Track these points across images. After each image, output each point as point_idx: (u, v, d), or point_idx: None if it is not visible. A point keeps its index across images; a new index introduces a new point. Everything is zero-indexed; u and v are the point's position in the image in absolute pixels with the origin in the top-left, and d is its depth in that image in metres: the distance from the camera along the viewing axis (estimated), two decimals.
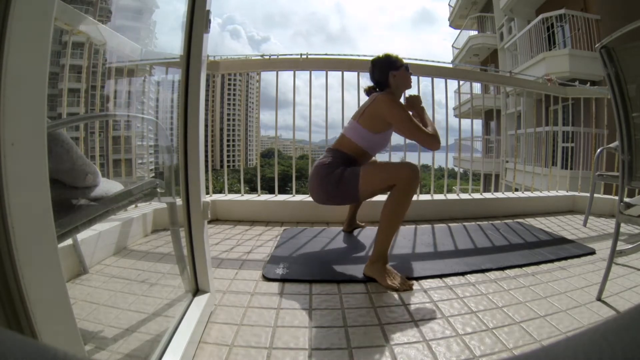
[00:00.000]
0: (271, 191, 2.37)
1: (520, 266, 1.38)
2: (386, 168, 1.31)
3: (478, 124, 11.03)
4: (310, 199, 2.20)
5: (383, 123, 1.41)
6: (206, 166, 1.06)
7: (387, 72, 1.46)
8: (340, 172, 1.33)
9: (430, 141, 1.36)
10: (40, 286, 0.38)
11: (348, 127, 1.49)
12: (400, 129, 1.40)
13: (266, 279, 1.24)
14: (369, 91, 1.57)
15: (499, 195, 2.55)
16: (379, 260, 1.23)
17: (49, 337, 0.39)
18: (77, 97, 1.41)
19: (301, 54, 2.47)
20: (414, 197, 2.29)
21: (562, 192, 2.74)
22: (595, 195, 2.23)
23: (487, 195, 2.53)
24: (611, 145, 2.32)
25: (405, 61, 1.50)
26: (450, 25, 14.22)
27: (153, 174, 1.85)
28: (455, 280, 1.25)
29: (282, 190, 2.35)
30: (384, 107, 1.37)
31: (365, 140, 1.44)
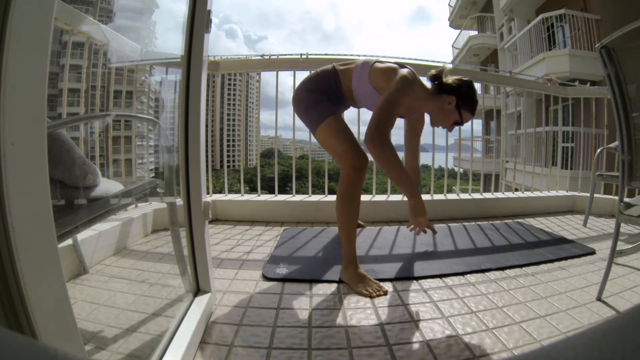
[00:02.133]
0: (271, 191, 2.37)
1: (520, 266, 1.38)
2: (339, 142, 1.21)
3: (478, 124, 11.03)
4: (310, 199, 2.21)
5: (381, 83, 1.22)
6: (206, 166, 1.06)
7: (450, 93, 1.26)
8: (316, 102, 1.27)
9: (371, 135, 1.07)
10: (40, 286, 0.38)
11: (360, 67, 1.29)
12: (381, 99, 1.14)
13: (266, 278, 1.24)
14: (431, 77, 1.35)
15: (499, 195, 2.55)
16: (349, 265, 1.19)
17: (49, 337, 0.39)
18: (77, 97, 1.41)
19: (301, 54, 2.47)
20: None
21: (562, 192, 2.74)
22: (595, 195, 2.23)
23: (487, 195, 2.53)
24: (611, 145, 2.32)
25: (469, 116, 1.29)
26: (450, 26, 14.21)
27: (153, 174, 1.85)
28: (455, 280, 1.25)
29: (282, 190, 2.35)
30: (396, 75, 1.17)
31: (360, 78, 1.28)
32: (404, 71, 1.19)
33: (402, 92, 1.14)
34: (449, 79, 1.31)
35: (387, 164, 1.09)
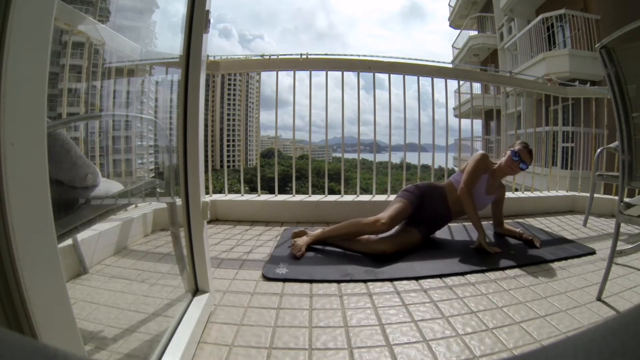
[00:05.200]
0: (271, 191, 2.37)
1: (520, 266, 1.38)
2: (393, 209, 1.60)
3: (478, 124, 11.01)
4: (310, 199, 2.21)
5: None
6: (206, 166, 1.06)
7: (510, 150, 1.72)
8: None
9: (461, 189, 1.65)
10: (40, 286, 0.38)
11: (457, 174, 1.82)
12: (465, 171, 1.70)
13: (266, 279, 1.24)
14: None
15: None
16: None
17: (49, 337, 0.39)
18: (77, 97, 1.41)
19: (301, 54, 2.47)
20: None
21: (562, 192, 2.74)
22: (595, 195, 2.23)
23: None
24: (611, 145, 2.32)
25: (524, 167, 1.71)
26: (450, 25, 14.22)
27: (153, 174, 1.85)
28: (455, 280, 1.25)
29: (282, 190, 2.35)
30: (473, 157, 1.74)
31: (455, 176, 1.78)
32: (480, 155, 1.72)
33: (476, 164, 1.69)
34: None
35: (466, 207, 1.64)
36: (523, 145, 1.72)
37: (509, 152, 1.72)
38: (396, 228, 1.64)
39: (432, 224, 1.74)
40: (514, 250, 1.58)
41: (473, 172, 1.67)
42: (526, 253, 1.53)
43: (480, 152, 1.76)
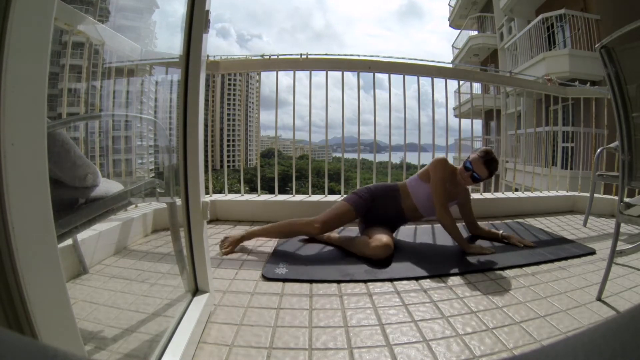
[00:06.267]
0: (271, 191, 2.37)
1: (520, 266, 1.38)
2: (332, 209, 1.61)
3: (478, 124, 11.02)
4: (310, 199, 2.21)
5: (427, 175, 1.64)
6: (206, 166, 1.06)
7: (466, 162, 1.60)
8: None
9: (439, 211, 1.57)
10: (40, 286, 0.38)
11: (412, 178, 1.73)
12: (432, 186, 1.60)
13: (266, 279, 1.24)
14: None
15: (499, 195, 2.55)
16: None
17: (49, 337, 0.39)
18: (77, 97, 1.41)
19: (301, 54, 2.47)
20: None
21: (562, 192, 2.74)
22: (595, 195, 2.23)
23: (487, 195, 2.53)
24: (611, 145, 2.32)
25: (484, 174, 1.56)
26: (450, 25, 14.22)
27: (153, 174, 1.85)
28: (455, 280, 1.25)
29: (282, 191, 2.35)
30: (433, 164, 1.63)
31: (412, 181, 1.69)
32: (441, 160, 1.64)
33: (441, 171, 1.58)
34: None
35: (447, 228, 1.58)
36: (481, 154, 1.55)
37: (465, 172, 1.58)
38: (366, 234, 1.55)
39: (388, 224, 1.67)
40: (512, 250, 1.58)
41: (439, 186, 1.56)
42: (526, 253, 1.53)
43: (439, 157, 1.67)
